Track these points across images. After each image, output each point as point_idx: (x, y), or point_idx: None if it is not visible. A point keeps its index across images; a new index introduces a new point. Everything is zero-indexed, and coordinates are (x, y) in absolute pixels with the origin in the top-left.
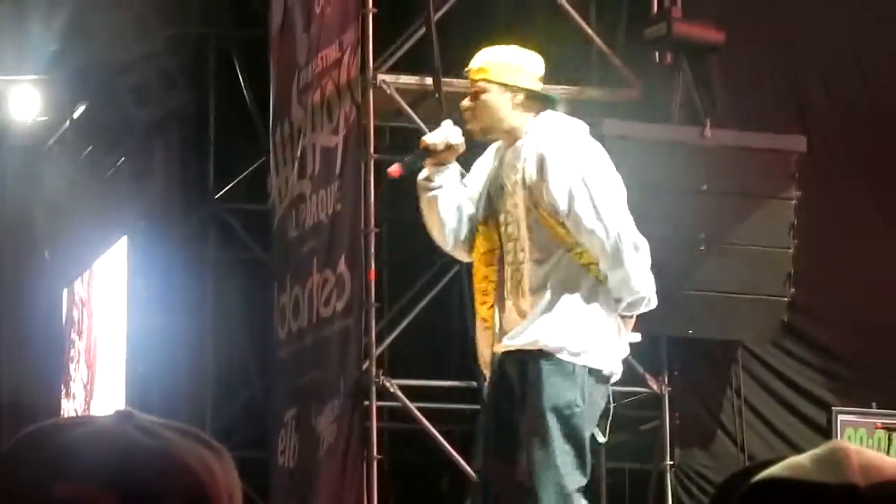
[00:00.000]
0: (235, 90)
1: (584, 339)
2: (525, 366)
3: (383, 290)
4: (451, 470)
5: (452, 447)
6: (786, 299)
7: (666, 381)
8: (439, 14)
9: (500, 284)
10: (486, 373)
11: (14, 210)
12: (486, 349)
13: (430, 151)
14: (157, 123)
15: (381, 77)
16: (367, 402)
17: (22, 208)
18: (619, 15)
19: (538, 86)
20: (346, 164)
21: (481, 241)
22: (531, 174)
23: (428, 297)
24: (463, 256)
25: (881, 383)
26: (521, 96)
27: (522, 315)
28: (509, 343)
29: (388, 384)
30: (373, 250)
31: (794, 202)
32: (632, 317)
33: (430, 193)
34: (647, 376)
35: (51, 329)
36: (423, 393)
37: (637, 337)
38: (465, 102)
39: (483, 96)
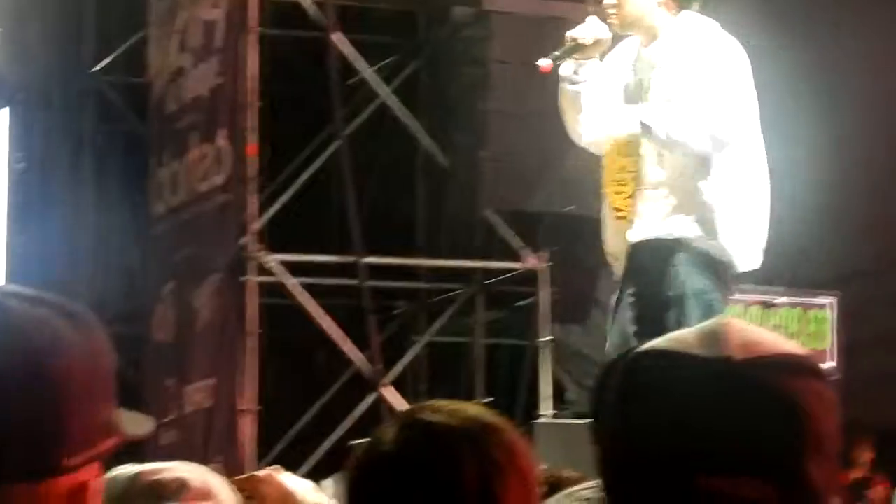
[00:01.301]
0: None
1: (720, 229)
2: (660, 253)
3: (263, 165)
4: (329, 345)
5: (331, 322)
6: None
7: (543, 258)
8: None
9: (639, 175)
10: (614, 264)
11: None
12: (617, 239)
13: (578, 46)
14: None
15: None
16: (245, 277)
17: None
18: None
19: None
20: (228, 38)
21: (629, 138)
22: (674, 72)
23: (308, 173)
24: (596, 150)
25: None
26: None
27: (658, 206)
28: (646, 234)
29: (266, 259)
30: (254, 124)
31: None
32: None
33: (574, 87)
34: (525, 252)
35: None
36: (302, 268)
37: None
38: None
39: None
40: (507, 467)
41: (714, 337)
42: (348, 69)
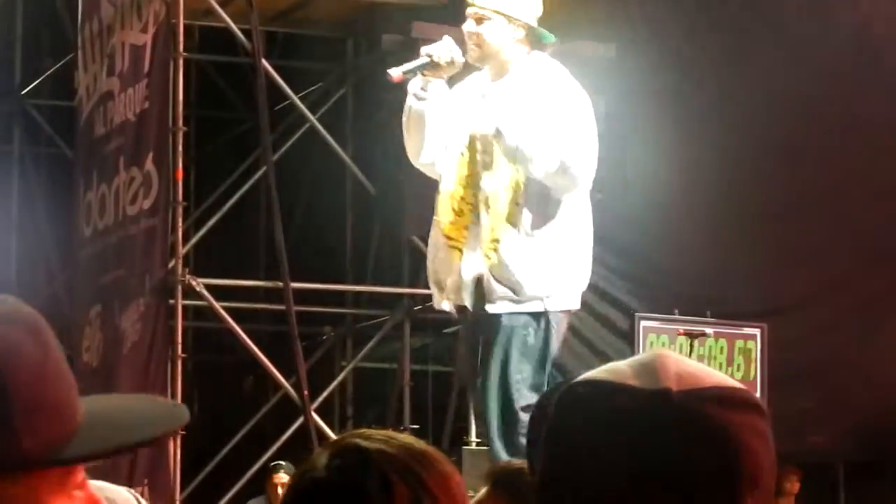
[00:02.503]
0: None
1: (554, 277)
2: (495, 315)
3: (190, 190)
4: (255, 370)
5: (258, 347)
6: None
7: None
8: None
9: (476, 208)
10: (437, 293)
11: None
12: (445, 268)
13: (431, 63)
14: None
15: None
16: (172, 301)
17: None
18: None
19: (536, 23)
20: (155, 63)
21: (462, 164)
22: (524, 106)
23: (235, 197)
24: (432, 173)
25: (682, 289)
26: (521, 32)
27: (495, 249)
28: (485, 282)
29: (193, 283)
30: (180, 149)
31: (599, 109)
32: None
33: (420, 104)
34: None
35: None
36: (229, 292)
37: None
38: (471, 27)
39: (488, 24)
40: (440, 496)
41: (650, 368)
42: (276, 94)
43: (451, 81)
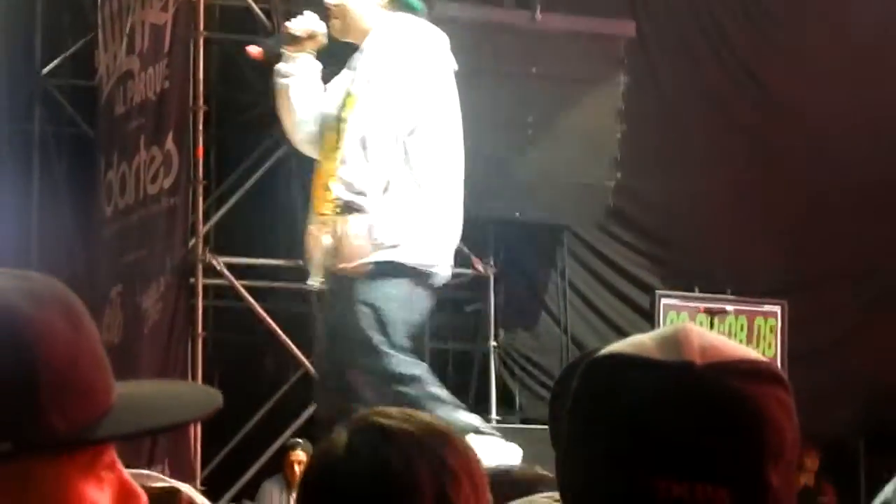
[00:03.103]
0: None
1: (416, 239)
2: (353, 282)
3: (211, 169)
4: (276, 349)
5: (278, 326)
6: (612, 184)
7: (491, 263)
8: None
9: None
10: (313, 269)
11: None
12: (318, 244)
13: (290, 37)
14: None
15: None
16: (192, 280)
17: None
18: None
19: None
20: (175, 42)
21: (332, 140)
22: (368, 67)
23: (255, 176)
24: (309, 151)
25: (703, 267)
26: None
27: (354, 219)
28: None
29: (214, 262)
30: (201, 127)
31: (621, 87)
32: None
33: (284, 81)
34: (473, 258)
35: None
36: (249, 271)
37: None
38: None
39: None
40: (460, 472)
41: (674, 342)
42: None
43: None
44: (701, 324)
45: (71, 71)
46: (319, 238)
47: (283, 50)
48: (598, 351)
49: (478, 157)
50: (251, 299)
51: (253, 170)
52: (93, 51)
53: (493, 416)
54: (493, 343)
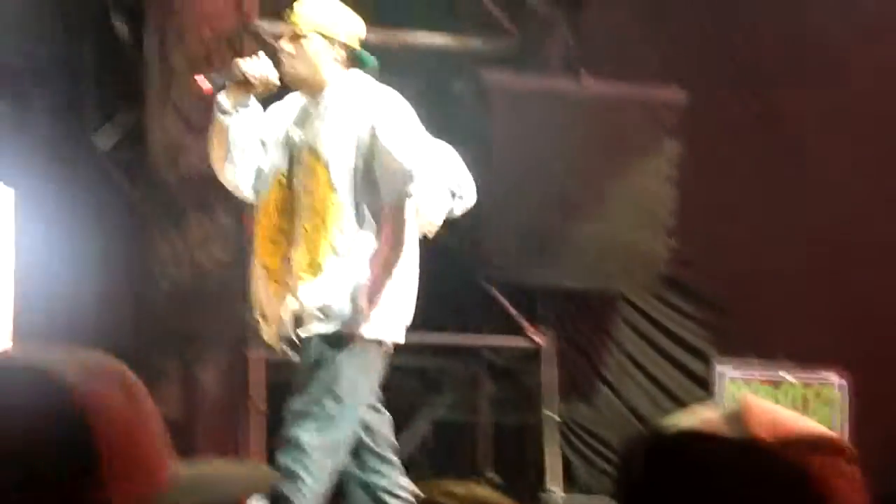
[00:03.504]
0: (115, 37)
1: (373, 306)
2: (321, 345)
3: None
4: None
5: None
6: (665, 251)
7: (547, 334)
8: None
9: (291, 236)
10: (264, 326)
11: None
12: (268, 300)
13: (244, 79)
14: (36, 71)
15: (258, 23)
16: (250, 354)
17: None
18: None
19: (357, 46)
20: None
21: (277, 190)
22: (343, 124)
23: None
24: (241, 195)
25: (760, 335)
26: (342, 52)
27: (315, 278)
28: (307, 317)
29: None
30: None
31: (672, 154)
32: None
33: (224, 119)
34: (528, 329)
35: None
36: None
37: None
38: (286, 45)
39: (305, 43)
40: None
41: (738, 416)
42: None
43: (266, 103)
44: (760, 393)
45: (126, 143)
46: (283, 300)
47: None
48: (660, 425)
49: (529, 226)
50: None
51: None
52: (144, 120)
53: (551, 487)
54: (550, 414)
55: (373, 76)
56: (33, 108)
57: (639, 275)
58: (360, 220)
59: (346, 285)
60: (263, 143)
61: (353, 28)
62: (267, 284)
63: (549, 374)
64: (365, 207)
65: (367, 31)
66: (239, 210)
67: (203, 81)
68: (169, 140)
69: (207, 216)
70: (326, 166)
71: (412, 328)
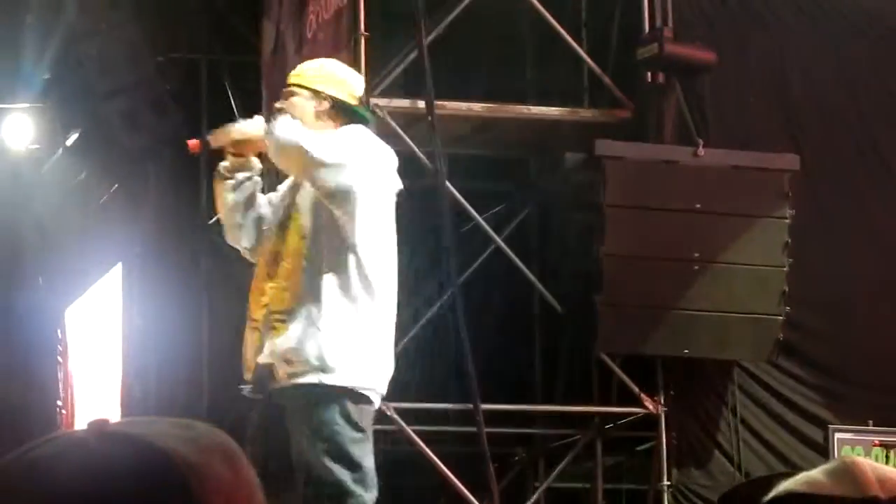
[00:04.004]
0: (227, 115)
1: (344, 360)
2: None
3: None
4: (448, 493)
5: (449, 470)
6: (780, 317)
7: (662, 401)
8: (431, 37)
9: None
10: (248, 375)
11: (8, 237)
12: (249, 348)
13: (233, 137)
14: (149, 149)
15: (373, 101)
16: None
17: (16, 235)
18: (611, 36)
19: (350, 101)
20: None
21: (270, 240)
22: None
23: (423, 320)
24: (247, 254)
25: (877, 400)
26: (326, 104)
27: (283, 332)
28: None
29: (384, 408)
30: None
31: (787, 220)
32: None
33: (225, 182)
34: (643, 396)
35: (46, 356)
36: (419, 416)
37: None
38: (277, 103)
39: (292, 98)
40: None
41: (848, 476)
42: (461, 216)
43: None
44: (876, 458)
45: None
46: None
47: (226, 149)
48: (760, 479)
49: (644, 294)
50: (422, 444)
51: (421, 313)
52: None
53: None
54: (666, 482)
55: (370, 128)
56: (147, 188)
57: (755, 342)
58: (329, 267)
59: (314, 333)
60: (270, 202)
61: (345, 83)
62: (250, 334)
63: (664, 442)
64: (334, 255)
65: (481, 105)
66: None
67: (192, 141)
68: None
69: None
70: (299, 214)
71: (527, 398)
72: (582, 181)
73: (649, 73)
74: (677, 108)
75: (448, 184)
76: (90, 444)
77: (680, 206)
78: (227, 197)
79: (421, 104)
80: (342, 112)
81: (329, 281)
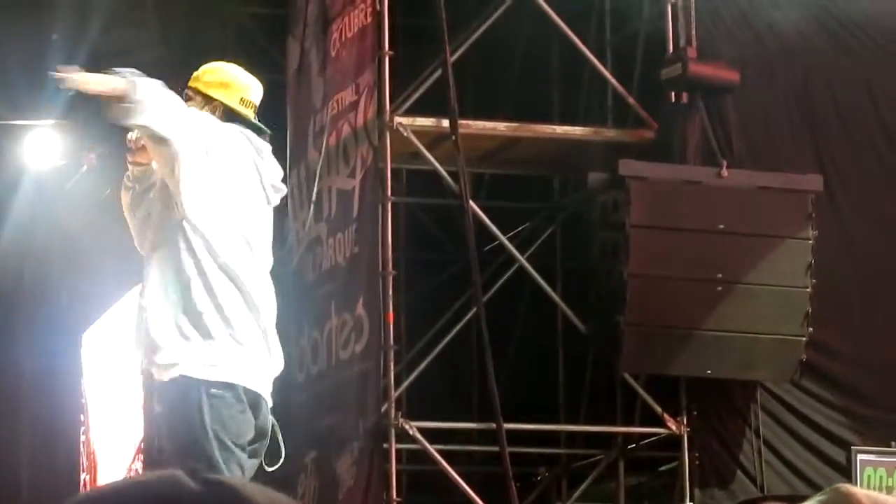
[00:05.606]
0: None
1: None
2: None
3: (401, 332)
4: None
5: (472, 489)
6: (804, 339)
7: (685, 422)
8: (455, 56)
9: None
10: None
11: (32, 254)
12: None
13: (127, 144)
14: None
15: (397, 119)
16: (386, 445)
17: (40, 252)
18: (635, 56)
19: (241, 108)
20: (363, 207)
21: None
22: None
23: (446, 339)
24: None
25: None
26: (220, 111)
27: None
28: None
29: (406, 426)
30: (391, 292)
31: (810, 241)
32: None
33: (128, 191)
34: (666, 417)
35: (68, 375)
36: (442, 435)
37: None
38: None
39: (188, 103)
40: None
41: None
42: (485, 235)
43: None
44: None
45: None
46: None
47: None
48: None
49: (667, 315)
50: (444, 463)
51: (443, 333)
52: (283, 220)
53: None
54: (689, 503)
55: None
56: None
57: (778, 363)
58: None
59: (154, 320)
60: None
61: (239, 89)
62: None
63: (687, 463)
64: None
65: (506, 125)
66: (375, 303)
67: (90, 158)
68: (306, 236)
69: (346, 310)
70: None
71: (550, 418)
72: (606, 201)
73: (673, 93)
74: (701, 128)
75: (472, 202)
76: (181, 482)
77: (703, 226)
78: (126, 205)
79: (445, 123)
80: (234, 120)
81: (161, 260)
